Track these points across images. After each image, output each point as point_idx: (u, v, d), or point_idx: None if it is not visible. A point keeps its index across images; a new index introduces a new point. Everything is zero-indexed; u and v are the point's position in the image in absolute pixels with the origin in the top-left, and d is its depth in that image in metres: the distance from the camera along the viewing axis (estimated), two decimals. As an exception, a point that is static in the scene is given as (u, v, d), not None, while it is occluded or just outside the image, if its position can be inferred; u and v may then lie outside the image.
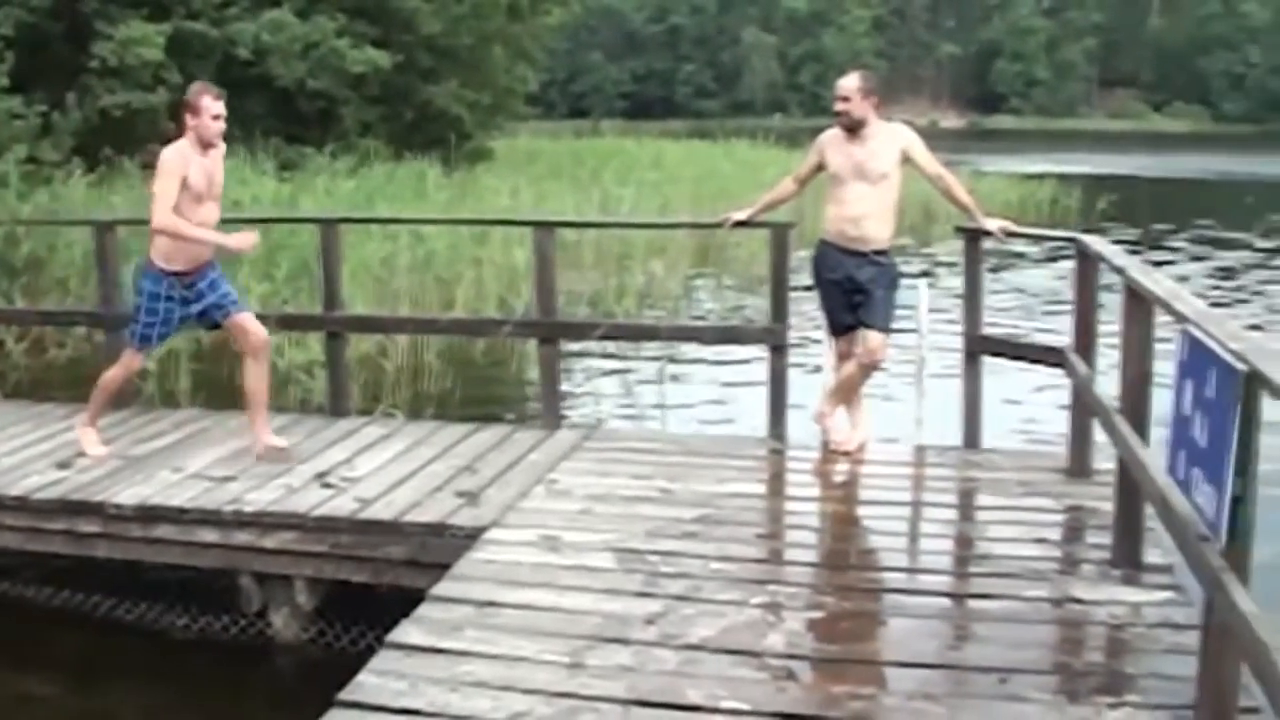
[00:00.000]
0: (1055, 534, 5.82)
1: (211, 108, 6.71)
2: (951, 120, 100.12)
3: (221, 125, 6.81)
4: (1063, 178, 31.97)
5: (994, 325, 12.72)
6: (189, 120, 6.73)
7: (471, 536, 5.71)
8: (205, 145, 6.75)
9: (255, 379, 7.05)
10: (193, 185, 6.66)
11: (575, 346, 12.19)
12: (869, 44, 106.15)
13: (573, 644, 4.49)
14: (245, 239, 6.88)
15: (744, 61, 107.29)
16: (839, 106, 6.77)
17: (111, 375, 7.26)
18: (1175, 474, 3.90)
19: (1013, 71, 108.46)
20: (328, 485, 6.52)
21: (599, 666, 4.31)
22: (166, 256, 6.81)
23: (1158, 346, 4.97)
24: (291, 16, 22.34)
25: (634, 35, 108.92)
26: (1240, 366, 3.30)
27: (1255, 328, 13.94)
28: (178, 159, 6.67)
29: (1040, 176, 32.00)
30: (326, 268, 8.08)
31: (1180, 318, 4.01)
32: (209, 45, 21.57)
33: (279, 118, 22.31)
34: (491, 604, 4.89)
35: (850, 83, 6.78)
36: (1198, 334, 3.76)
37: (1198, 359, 3.71)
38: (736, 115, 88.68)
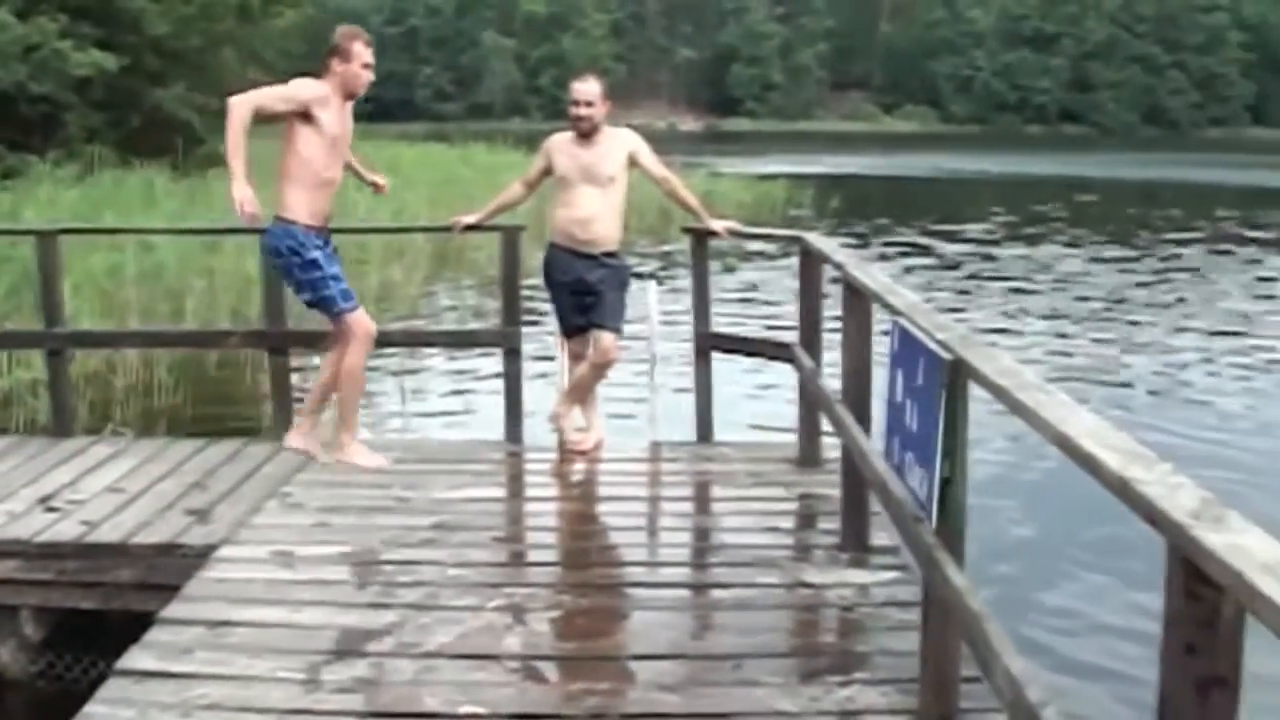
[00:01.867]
0: (787, 522, 5.99)
1: (363, 55, 6.26)
2: (689, 124, 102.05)
3: (371, 75, 6.33)
4: (796, 178, 32.92)
5: (739, 322, 13.11)
6: (335, 66, 6.25)
7: (202, 555, 5.53)
8: (348, 95, 6.30)
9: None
10: (328, 130, 6.18)
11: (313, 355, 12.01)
12: (607, 48, 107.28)
13: (308, 660, 4.40)
14: (249, 200, 6.07)
15: (483, 64, 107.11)
16: (582, 111, 6.76)
17: (353, 359, 6.57)
18: (891, 459, 4.06)
19: (748, 75, 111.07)
20: (52, 509, 6.23)
21: (335, 681, 4.24)
22: (301, 211, 6.39)
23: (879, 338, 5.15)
24: (10, 16, 21.34)
25: (372, 37, 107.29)
26: (946, 355, 3.46)
27: (955, 310, 14.61)
28: (311, 88, 6.16)
29: (775, 177, 32.89)
30: (45, 282, 7.72)
31: (893, 310, 4.17)
32: (-78, 46, 20.54)
33: (-2, 123, 21.36)
34: (224, 623, 4.75)
35: (592, 88, 6.78)
36: (908, 325, 3.91)
37: (908, 349, 3.87)
38: (476, 118, 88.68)
